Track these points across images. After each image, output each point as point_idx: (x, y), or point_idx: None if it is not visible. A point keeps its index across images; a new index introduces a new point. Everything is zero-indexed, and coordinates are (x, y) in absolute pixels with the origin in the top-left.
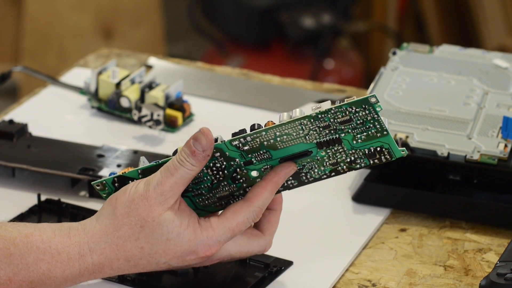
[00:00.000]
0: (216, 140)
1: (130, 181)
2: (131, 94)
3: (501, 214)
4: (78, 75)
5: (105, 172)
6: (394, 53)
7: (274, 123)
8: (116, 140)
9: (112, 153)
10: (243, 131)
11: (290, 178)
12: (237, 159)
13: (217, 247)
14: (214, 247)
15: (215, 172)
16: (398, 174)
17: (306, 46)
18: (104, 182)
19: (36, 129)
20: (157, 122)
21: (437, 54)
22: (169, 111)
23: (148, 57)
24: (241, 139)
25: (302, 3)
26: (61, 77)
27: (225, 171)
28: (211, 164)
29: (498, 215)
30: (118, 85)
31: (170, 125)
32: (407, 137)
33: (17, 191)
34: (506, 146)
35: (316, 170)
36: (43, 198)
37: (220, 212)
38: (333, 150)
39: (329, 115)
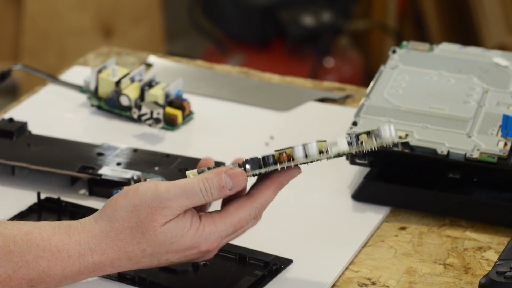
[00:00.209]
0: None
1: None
2: (131, 92)
3: (501, 213)
4: (78, 74)
5: (105, 171)
6: (394, 52)
7: (287, 154)
8: (116, 138)
9: (111, 151)
10: (255, 160)
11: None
12: None
13: (218, 242)
14: (216, 242)
15: None
16: (398, 172)
17: (306, 44)
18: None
19: (36, 128)
20: (157, 121)
21: (437, 52)
22: (169, 110)
23: (148, 56)
24: (254, 172)
25: (302, 2)
26: (61, 75)
27: None
28: None
29: (498, 213)
30: (118, 83)
31: (170, 124)
32: (407, 135)
33: (16, 189)
34: (505, 144)
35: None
36: (42, 196)
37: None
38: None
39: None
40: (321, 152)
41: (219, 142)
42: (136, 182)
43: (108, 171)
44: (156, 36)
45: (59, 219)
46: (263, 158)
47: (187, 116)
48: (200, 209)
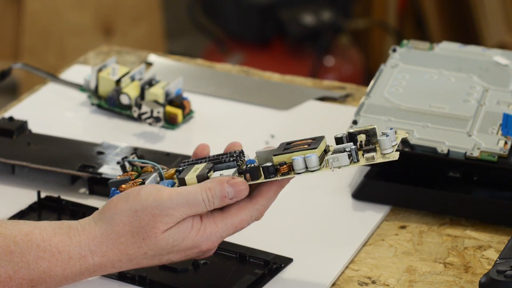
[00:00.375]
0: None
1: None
2: (131, 91)
3: (501, 211)
4: (78, 72)
5: (105, 169)
6: (394, 50)
7: (287, 165)
8: (116, 137)
9: (112, 150)
10: (255, 169)
11: None
12: None
13: (219, 241)
14: (216, 242)
15: None
16: (398, 171)
17: (306, 43)
18: None
19: (36, 126)
20: (157, 119)
21: (437, 51)
22: (169, 108)
23: (148, 54)
24: (255, 182)
25: (302, 1)
26: (61, 74)
27: None
28: None
29: (498, 212)
30: (118, 82)
31: (170, 122)
32: (407, 134)
33: (17, 188)
34: (506, 143)
35: None
36: (43, 195)
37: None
38: None
39: None
40: (321, 164)
41: (219, 140)
42: (130, 164)
43: (108, 170)
44: (156, 34)
45: (59, 218)
46: (263, 168)
47: (187, 115)
48: None
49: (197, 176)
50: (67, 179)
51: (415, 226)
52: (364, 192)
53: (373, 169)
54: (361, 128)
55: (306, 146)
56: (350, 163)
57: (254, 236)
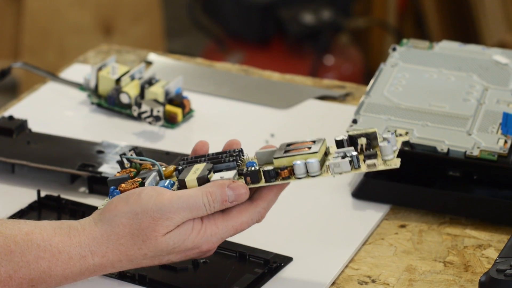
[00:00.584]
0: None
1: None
2: (130, 90)
3: (501, 210)
4: (78, 71)
5: (105, 168)
6: (394, 49)
7: (288, 169)
8: (116, 136)
9: (111, 149)
10: (255, 173)
11: None
12: None
13: (219, 242)
14: (216, 243)
15: None
16: (398, 170)
17: (306, 42)
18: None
19: (35, 125)
20: (157, 118)
21: (437, 50)
22: (169, 107)
23: (147, 53)
24: (255, 186)
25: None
26: (61, 73)
27: None
28: None
29: (497, 211)
30: (118, 81)
31: (170, 121)
32: (406, 133)
33: (16, 187)
34: (506, 142)
35: None
36: (42, 194)
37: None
38: None
39: None
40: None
41: (219, 139)
42: (128, 161)
43: (108, 169)
44: (156, 33)
45: (59, 217)
46: (264, 172)
47: (187, 114)
48: None
49: (198, 179)
50: (67, 178)
51: (415, 225)
52: (364, 191)
53: None
54: (361, 131)
55: (307, 149)
56: (352, 169)
57: (254, 235)
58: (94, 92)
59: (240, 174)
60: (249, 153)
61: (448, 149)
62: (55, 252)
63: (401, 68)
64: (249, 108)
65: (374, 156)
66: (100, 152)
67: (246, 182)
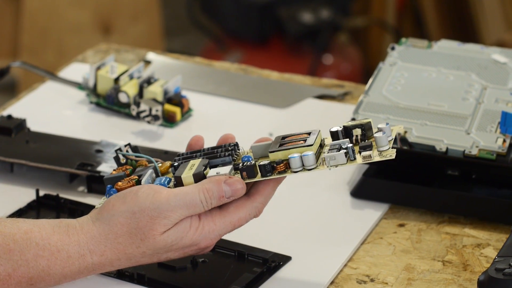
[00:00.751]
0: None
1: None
2: (129, 89)
3: (500, 209)
4: (77, 71)
5: (103, 168)
6: (392, 48)
7: (284, 163)
8: (115, 135)
9: (110, 148)
10: (251, 168)
11: None
12: None
13: (217, 239)
14: (215, 239)
15: None
16: (397, 169)
17: (304, 41)
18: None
19: (34, 125)
20: (156, 117)
21: (435, 49)
22: (168, 107)
23: (146, 53)
24: (251, 181)
25: None
26: (60, 72)
27: None
28: None
29: (496, 210)
30: (116, 80)
31: (169, 120)
32: (405, 132)
33: (15, 187)
34: (504, 141)
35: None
36: (41, 193)
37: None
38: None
39: None
40: (318, 162)
41: (217, 139)
42: (124, 157)
43: (107, 168)
44: (155, 33)
45: (58, 216)
46: (260, 166)
47: (186, 113)
48: None
49: (194, 175)
50: (66, 177)
51: (413, 224)
52: (363, 190)
53: (371, 167)
54: (356, 122)
55: (302, 142)
56: (347, 161)
57: (253, 234)
58: (92, 91)
59: (236, 169)
60: (246, 149)
61: (447, 148)
62: (54, 251)
63: (400, 67)
64: (248, 107)
65: (370, 147)
66: (99, 151)
67: (242, 177)
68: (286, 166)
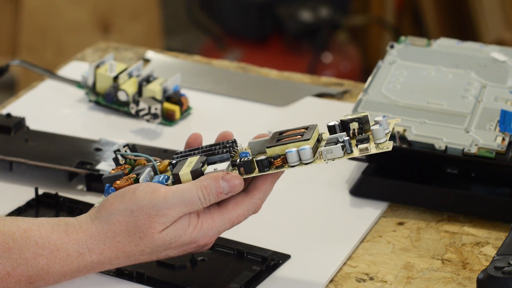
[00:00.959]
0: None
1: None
2: (128, 87)
3: (499, 208)
4: (76, 69)
5: (102, 166)
6: (391, 47)
7: (281, 157)
8: (114, 133)
9: (109, 146)
10: (248, 163)
11: None
12: None
13: (216, 236)
14: (214, 237)
15: None
16: (396, 167)
17: (304, 39)
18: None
19: (33, 123)
20: (155, 116)
21: (434, 47)
22: (167, 105)
23: (145, 51)
24: (249, 176)
25: None
26: (59, 71)
27: None
28: None
29: (495, 208)
30: (115, 78)
31: (168, 119)
32: (404, 130)
33: (14, 185)
34: (503, 139)
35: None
36: (40, 192)
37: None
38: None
39: None
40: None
41: (216, 136)
42: (123, 157)
43: (106, 166)
44: (154, 31)
45: (57, 214)
46: (257, 161)
47: (185, 111)
48: None
49: (192, 172)
50: (65, 175)
51: (413, 222)
52: (362, 189)
53: (370, 165)
54: (353, 115)
55: (299, 136)
56: (344, 154)
57: (252, 232)
58: (92, 89)
59: (233, 165)
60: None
61: (446, 147)
62: (53, 249)
63: (399, 66)
64: (247, 106)
65: (367, 140)
66: (98, 149)
67: (239, 173)
68: (283, 161)
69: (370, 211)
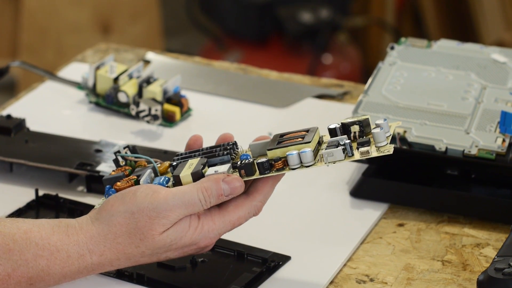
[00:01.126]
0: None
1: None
2: (129, 89)
3: (499, 209)
4: (76, 70)
5: (103, 167)
6: (392, 48)
7: (282, 160)
8: (114, 135)
9: (109, 148)
10: (249, 165)
11: None
12: None
13: (217, 238)
14: (214, 238)
15: None
16: (396, 169)
17: (304, 41)
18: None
19: (33, 124)
20: (155, 117)
21: (435, 49)
22: (167, 106)
23: (146, 52)
24: (249, 178)
25: None
26: (59, 72)
27: None
28: None
29: (496, 209)
30: (116, 80)
31: (168, 120)
32: (405, 131)
33: (15, 186)
34: (504, 140)
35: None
36: (40, 193)
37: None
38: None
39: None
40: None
41: (217, 138)
42: (123, 158)
43: (106, 168)
44: (154, 32)
45: (57, 216)
46: (258, 164)
47: (185, 112)
48: None
49: (192, 174)
50: (65, 177)
51: (413, 224)
52: (362, 190)
53: (371, 167)
54: (354, 118)
55: (300, 139)
56: (345, 157)
57: (252, 234)
58: (92, 91)
59: (234, 167)
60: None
61: (446, 148)
62: (54, 251)
63: (399, 67)
64: (247, 107)
65: (367, 143)
66: (98, 151)
67: (240, 175)
68: (284, 164)
69: (370, 212)
